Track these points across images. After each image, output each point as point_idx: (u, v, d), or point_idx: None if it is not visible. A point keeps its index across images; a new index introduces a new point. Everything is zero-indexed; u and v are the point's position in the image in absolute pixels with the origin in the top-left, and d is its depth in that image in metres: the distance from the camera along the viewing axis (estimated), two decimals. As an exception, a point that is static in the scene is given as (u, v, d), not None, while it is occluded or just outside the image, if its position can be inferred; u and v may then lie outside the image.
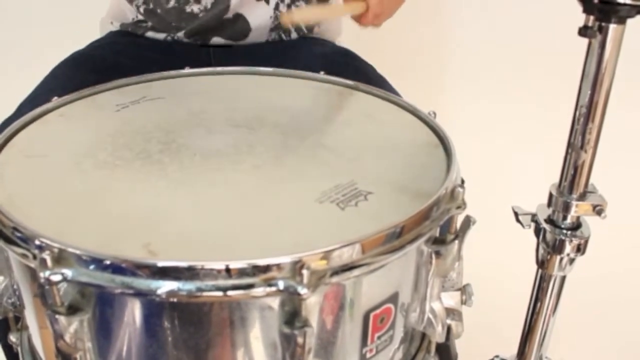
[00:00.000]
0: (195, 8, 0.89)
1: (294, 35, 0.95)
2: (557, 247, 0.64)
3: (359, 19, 0.78)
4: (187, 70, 0.75)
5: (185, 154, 0.56)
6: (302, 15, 0.81)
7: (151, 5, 0.90)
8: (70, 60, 0.88)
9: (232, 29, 0.91)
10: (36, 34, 1.54)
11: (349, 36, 1.02)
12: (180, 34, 0.92)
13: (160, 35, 0.93)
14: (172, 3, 0.89)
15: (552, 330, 0.71)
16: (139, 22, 0.93)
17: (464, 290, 0.55)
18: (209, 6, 0.89)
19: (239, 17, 0.91)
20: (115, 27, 0.96)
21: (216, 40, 0.92)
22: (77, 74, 0.85)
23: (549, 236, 0.64)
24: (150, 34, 0.93)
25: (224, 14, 0.90)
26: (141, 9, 0.91)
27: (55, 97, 0.65)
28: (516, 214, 0.67)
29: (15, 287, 0.49)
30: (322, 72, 0.73)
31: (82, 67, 0.87)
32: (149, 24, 0.92)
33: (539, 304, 0.69)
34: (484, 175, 1.19)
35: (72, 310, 0.41)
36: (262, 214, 0.47)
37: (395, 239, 0.44)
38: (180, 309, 0.41)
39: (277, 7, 0.91)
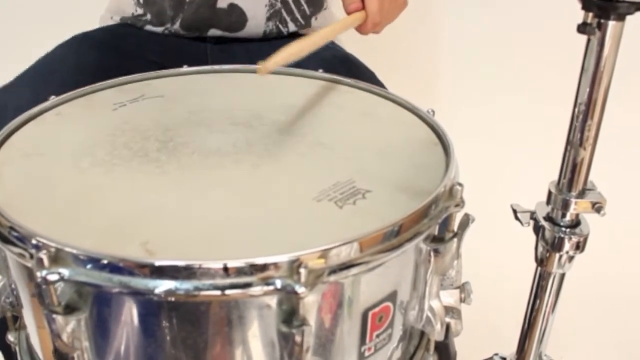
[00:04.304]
0: None
1: (291, 26, 0.95)
2: (556, 245, 0.64)
3: (358, 28, 0.78)
4: (186, 68, 0.75)
5: (184, 153, 0.55)
6: (284, 56, 0.61)
7: None
8: (71, 40, 0.89)
9: (228, 20, 0.91)
10: (36, 31, 1.54)
11: (346, 35, 1.02)
12: (177, 26, 0.92)
13: (158, 29, 0.93)
14: None
15: (552, 328, 0.71)
16: (138, 17, 0.93)
17: (462, 288, 0.54)
18: None
19: (234, 7, 0.91)
20: (115, 21, 0.96)
21: (213, 32, 0.92)
22: (79, 51, 0.86)
23: (548, 234, 0.64)
24: (148, 27, 0.93)
25: (216, 3, 0.90)
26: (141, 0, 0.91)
27: (53, 96, 0.65)
28: (515, 212, 0.67)
29: (12, 286, 0.49)
30: (320, 70, 0.73)
31: (82, 45, 0.88)
32: (148, 17, 0.92)
33: (538, 302, 0.69)
34: (482, 173, 1.18)
35: (70, 309, 0.41)
36: (260, 213, 0.47)
37: (394, 237, 0.44)
38: (178, 308, 0.41)
39: None
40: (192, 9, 0.90)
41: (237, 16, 0.91)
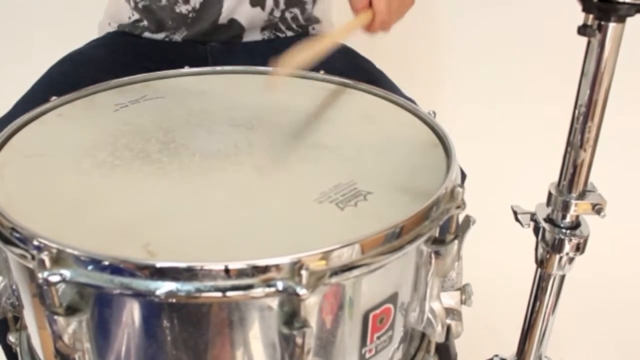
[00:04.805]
0: (183, 9, 0.89)
1: (288, 33, 0.95)
2: (556, 246, 0.64)
3: (366, 27, 0.77)
4: (187, 69, 0.75)
5: (185, 154, 0.55)
6: (297, 61, 0.60)
7: (147, 2, 0.90)
8: (67, 59, 0.88)
9: (227, 34, 0.92)
10: (34, 36, 1.54)
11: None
12: (177, 37, 0.92)
13: (158, 36, 0.93)
14: (163, 1, 0.89)
15: (552, 330, 0.71)
16: (136, 22, 0.93)
17: (463, 290, 0.54)
18: (197, 6, 0.89)
19: (234, 22, 0.91)
20: (113, 27, 0.96)
21: (212, 44, 0.93)
22: (74, 72, 0.84)
23: (548, 235, 0.64)
24: (147, 34, 0.93)
25: (218, 19, 0.90)
26: (140, 5, 0.91)
27: (54, 97, 0.65)
28: (515, 213, 0.67)
29: (14, 287, 0.49)
30: (321, 72, 0.73)
31: (79, 64, 0.87)
32: (146, 23, 0.92)
33: (538, 303, 0.69)
34: (483, 175, 1.18)
35: (71, 310, 0.41)
36: (261, 214, 0.47)
37: (395, 239, 0.44)
38: (179, 309, 0.41)
39: (271, 13, 0.92)
40: (193, 24, 0.90)
41: (236, 30, 0.92)
